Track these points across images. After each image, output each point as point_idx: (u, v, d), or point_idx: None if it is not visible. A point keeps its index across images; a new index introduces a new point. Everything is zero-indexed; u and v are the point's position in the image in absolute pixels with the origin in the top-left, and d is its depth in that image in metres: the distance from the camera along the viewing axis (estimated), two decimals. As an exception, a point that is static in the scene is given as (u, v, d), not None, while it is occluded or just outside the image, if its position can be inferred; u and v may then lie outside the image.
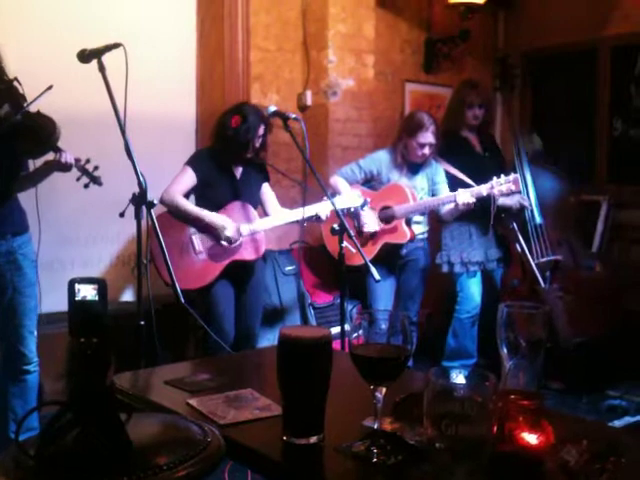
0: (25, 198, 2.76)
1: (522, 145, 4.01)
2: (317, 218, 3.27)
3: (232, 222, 3.23)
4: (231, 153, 3.27)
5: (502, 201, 3.74)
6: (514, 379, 1.13)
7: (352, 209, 3.32)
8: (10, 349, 2.73)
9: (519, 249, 3.88)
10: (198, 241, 3.25)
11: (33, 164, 2.71)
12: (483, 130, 3.99)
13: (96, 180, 2.73)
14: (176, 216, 3.23)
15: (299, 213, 3.29)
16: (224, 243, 3.22)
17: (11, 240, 2.66)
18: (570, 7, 4.70)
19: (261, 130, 3.25)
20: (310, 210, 3.24)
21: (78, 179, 2.72)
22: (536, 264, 3.85)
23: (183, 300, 2.42)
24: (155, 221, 2.41)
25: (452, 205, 3.53)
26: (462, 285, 3.96)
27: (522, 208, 3.87)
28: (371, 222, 3.63)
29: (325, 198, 3.20)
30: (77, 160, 2.69)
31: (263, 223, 3.32)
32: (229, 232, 3.20)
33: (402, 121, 4.07)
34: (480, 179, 3.51)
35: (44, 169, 2.69)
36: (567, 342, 3.72)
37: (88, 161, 2.72)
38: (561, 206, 4.12)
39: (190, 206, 3.25)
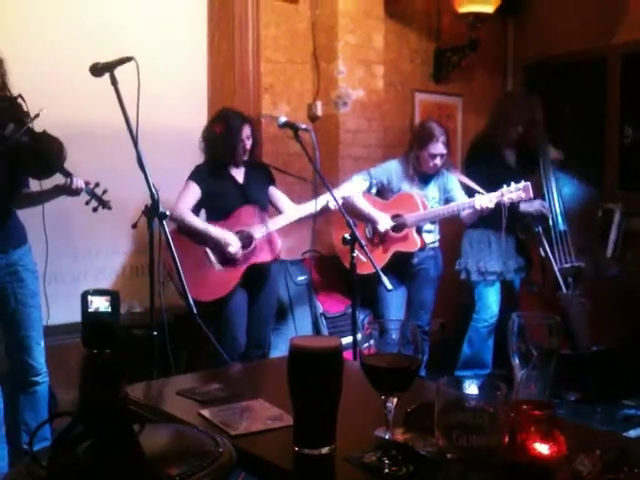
0: (32, 210, 2.77)
1: (547, 151, 3.98)
2: (326, 208, 3.27)
3: (235, 237, 3.23)
4: (225, 160, 3.30)
5: (523, 207, 3.73)
6: (526, 389, 1.13)
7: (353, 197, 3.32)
8: (17, 361, 2.73)
9: (543, 254, 3.87)
10: (213, 253, 3.26)
11: (40, 185, 2.72)
12: (523, 144, 3.93)
13: (105, 204, 2.74)
14: (184, 232, 3.24)
15: (309, 207, 3.28)
16: (232, 251, 3.22)
17: (11, 253, 2.67)
18: (579, 15, 4.69)
19: (247, 130, 3.27)
20: (319, 202, 3.23)
21: (87, 203, 2.73)
22: (559, 269, 3.83)
23: (195, 311, 2.43)
24: (168, 232, 2.43)
25: (471, 210, 3.53)
26: (480, 294, 3.95)
27: (544, 215, 3.85)
28: (385, 221, 3.63)
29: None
30: (87, 184, 2.70)
31: (276, 222, 3.32)
32: (232, 248, 3.20)
33: (413, 132, 4.08)
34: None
35: (51, 192, 2.70)
36: (586, 349, 3.70)
37: (97, 185, 2.73)
38: (585, 214, 4.11)
39: (196, 221, 3.26)
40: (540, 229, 3.85)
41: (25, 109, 2.52)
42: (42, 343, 2.76)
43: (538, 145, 3.99)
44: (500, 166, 3.86)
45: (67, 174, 2.64)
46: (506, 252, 3.88)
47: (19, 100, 2.52)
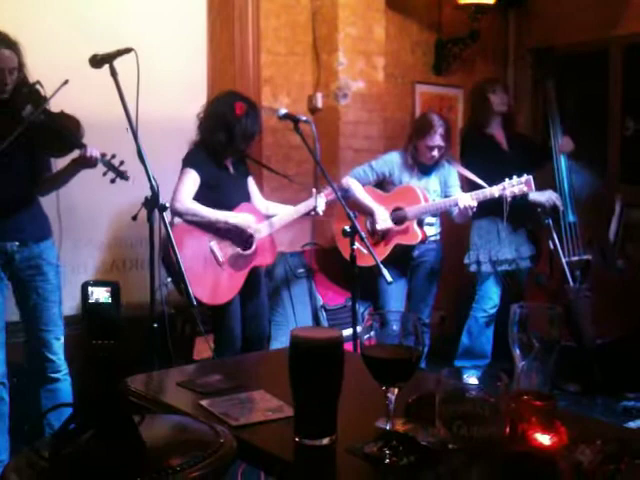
0: (46, 203, 2.79)
1: (558, 140, 3.96)
2: (315, 212, 3.24)
3: (251, 216, 3.18)
4: (232, 146, 3.12)
5: (533, 197, 3.71)
6: (527, 380, 1.13)
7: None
8: (37, 356, 2.74)
9: (551, 246, 3.85)
10: (219, 251, 3.16)
11: (54, 165, 2.72)
12: (509, 126, 3.95)
13: (122, 175, 2.70)
14: (193, 222, 3.10)
15: (300, 209, 3.25)
16: (239, 251, 3.17)
17: (33, 246, 2.69)
18: (581, 6, 4.67)
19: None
20: (308, 204, 3.22)
21: (104, 174, 2.70)
22: (566, 262, 3.82)
23: (195, 303, 2.43)
24: (167, 224, 2.42)
25: (457, 209, 3.54)
26: (482, 283, 3.94)
27: (555, 206, 3.83)
28: (383, 219, 3.63)
29: (314, 191, 3.19)
30: (103, 155, 2.68)
31: (274, 224, 3.27)
32: (252, 230, 3.17)
33: (413, 122, 4.08)
34: (503, 177, 3.47)
35: (70, 168, 2.70)
36: (591, 342, 3.70)
37: (114, 156, 2.70)
38: (595, 204, 4.10)
39: (209, 210, 3.09)
40: (550, 221, 3.83)
41: (43, 94, 2.57)
42: (62, 339, 2.75)
43: (552, 133, 3.96)
44: (493, 151, 3.85)
45: (82, 145, 2.63)
46: (517, 239, 3.85)
47: (37, 86, 2.57)
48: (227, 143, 3.11)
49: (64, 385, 2.77)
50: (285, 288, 3.87)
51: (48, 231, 2.77)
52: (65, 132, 2.58)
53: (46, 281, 2.70)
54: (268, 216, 3.34)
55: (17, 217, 2.66)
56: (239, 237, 3.17)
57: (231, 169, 3.25)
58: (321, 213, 3.27)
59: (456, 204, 3.49)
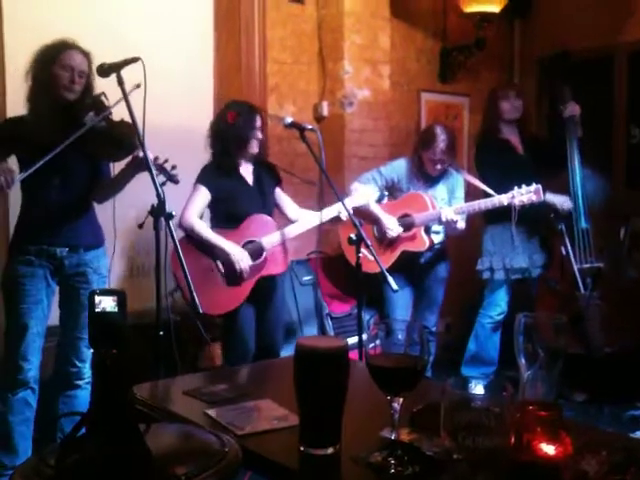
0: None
1: (574, 147, 3.95)
2: (337, 219, 3.21)
3: (246, 253, 3.10)
4: (236, 152, 3.15)
5: (549, 197, 3.68)
6: (532, 389, 1.13)
7: (367, 204, 3.25)
8: (65, 361, 2.76)
9: (564, 252, 3.82)
10: (223, 265, 3.12)
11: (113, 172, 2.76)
12: (525, 130, 3.95)
13: (172, 178, 2.69)
14: (193, 241, 3.10)
15: (323, 215, 3.20)
16: (239, 267, 3.11)
17: (83, 254, 2.72)
18: (586, 14, 4.67)
19: (258, 121, 3.17)
20: (330, 211, 3.18)
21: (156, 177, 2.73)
22: (578, 269, 3.80)
23: (201, 310, 2.43)
24: (174, 232, 2.43)
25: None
26: (492, 290, 3.92)
27: (569, 211, 3.80)
28: (393, 226, 3.63)
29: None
30: (155, 158, 2.66)
31: (291, 231, 3.21)
32: (241, 265, 3.07)
33: (420, 132, 4.09)
34: (519, 181, 3.46)
35: (126, 170, 2.71)
36: (598, 351, 3.67)
37: (166, 160, 2.69)
38: (607, 212, 4.09)
39: (206, 233, 3.10)
40: (563, 226, 3.81)
41: (107, 104, 2.61)
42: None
43: (568, 138, 3.93)
44: (508, 155, 3.84)
45: (135, 149, 2.64)
46: (531, 247, 3.83)
47: (102, 97, 2.63)
48: (223, 153, 3.15)
49: (83, 393, 2.78)
50: (291, 296, 3.87)
51: (100, 240, 2.80)
52: (122, 137, 2.60)
53: (90, 289, 2.69)
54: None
55: (70, 222, 2.69)
56: (228, 263, 3.10)
57: (249, 180, 3.23)
58: (344, 219, 3.17)
59: (439, 217, 3.50)
